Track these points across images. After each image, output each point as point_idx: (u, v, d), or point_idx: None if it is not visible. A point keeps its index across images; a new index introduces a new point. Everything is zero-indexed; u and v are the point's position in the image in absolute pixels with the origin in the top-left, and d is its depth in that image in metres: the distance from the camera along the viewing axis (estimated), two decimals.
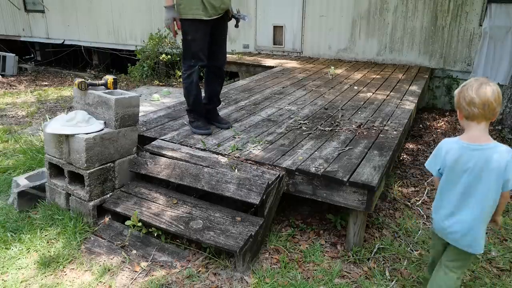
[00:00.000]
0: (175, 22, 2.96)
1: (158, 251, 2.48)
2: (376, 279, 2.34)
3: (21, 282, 2.22)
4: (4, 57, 9.49)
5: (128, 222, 2.51)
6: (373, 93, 4.68)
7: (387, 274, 2.39)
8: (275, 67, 6.41)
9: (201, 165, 2.74)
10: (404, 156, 4.29)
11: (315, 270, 2.39)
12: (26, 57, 11.62)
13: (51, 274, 2.28)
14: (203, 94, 3.36)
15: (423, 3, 6.26)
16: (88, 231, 2.65)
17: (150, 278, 2.26)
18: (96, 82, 2.85)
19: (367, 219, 2.73)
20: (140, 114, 2.96)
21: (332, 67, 5.98)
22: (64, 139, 2.65)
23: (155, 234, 2.54)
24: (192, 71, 3.10)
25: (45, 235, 2.60)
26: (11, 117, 5.66)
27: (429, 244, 2.34)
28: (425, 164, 1.96)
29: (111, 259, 2.41)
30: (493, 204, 1.77)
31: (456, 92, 1.79)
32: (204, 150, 2.93)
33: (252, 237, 2.33)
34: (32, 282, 2.22)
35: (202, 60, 3.09)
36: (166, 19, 2.96)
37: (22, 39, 11.18)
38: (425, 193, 3.46)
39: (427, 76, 5.75)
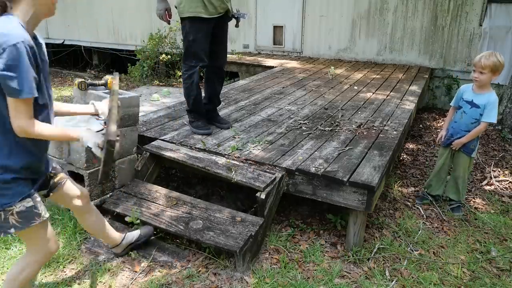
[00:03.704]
0: (166, 12, 3.13)
1: (158, 251, 2.48)
2: (376, 279, 2.34)
3: None
4: None
5: (128, 219, 2.53)
6: (373, 93, 4.68)
7: (387, 274, 2.39)
8: (275, 67, 6.41)
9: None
10: (404, 156, 4.29)
11: (315, 270, 2.39)
12: None
13: (51, 274, 2.28)
14: (203, 94, 3.36)
15: (423, 3, 6.25)
16: None
17: (150, 278, 2.26)
18: (96, 82, 2.85)
19: (367, 219, 2.72)
20: (140, 114, 2.96)
21: (332, 67, 5.98)
22: None
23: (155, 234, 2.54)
24: (193, 72, 3.10)
25: None
26: None
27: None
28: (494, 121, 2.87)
29: (111, 259, 2.41)
30: None
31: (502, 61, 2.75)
32: (204, 150, 2.93)
33: (252, 237, 2.33)
34: None
35: (204, 60, 3.09)
36: (158, 10, 3.11)
37: None
38: None
39: (427, 76, 5.75)
